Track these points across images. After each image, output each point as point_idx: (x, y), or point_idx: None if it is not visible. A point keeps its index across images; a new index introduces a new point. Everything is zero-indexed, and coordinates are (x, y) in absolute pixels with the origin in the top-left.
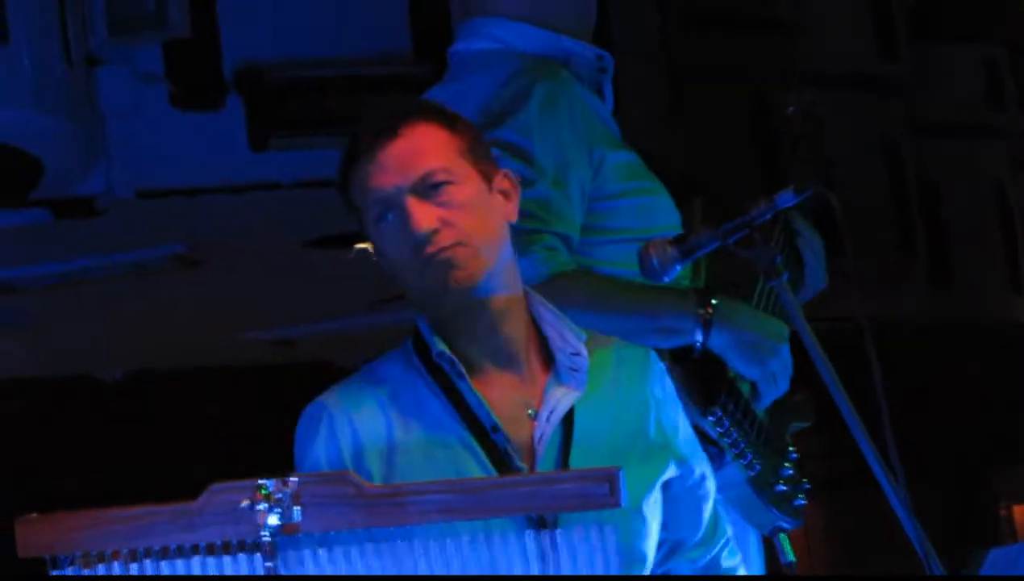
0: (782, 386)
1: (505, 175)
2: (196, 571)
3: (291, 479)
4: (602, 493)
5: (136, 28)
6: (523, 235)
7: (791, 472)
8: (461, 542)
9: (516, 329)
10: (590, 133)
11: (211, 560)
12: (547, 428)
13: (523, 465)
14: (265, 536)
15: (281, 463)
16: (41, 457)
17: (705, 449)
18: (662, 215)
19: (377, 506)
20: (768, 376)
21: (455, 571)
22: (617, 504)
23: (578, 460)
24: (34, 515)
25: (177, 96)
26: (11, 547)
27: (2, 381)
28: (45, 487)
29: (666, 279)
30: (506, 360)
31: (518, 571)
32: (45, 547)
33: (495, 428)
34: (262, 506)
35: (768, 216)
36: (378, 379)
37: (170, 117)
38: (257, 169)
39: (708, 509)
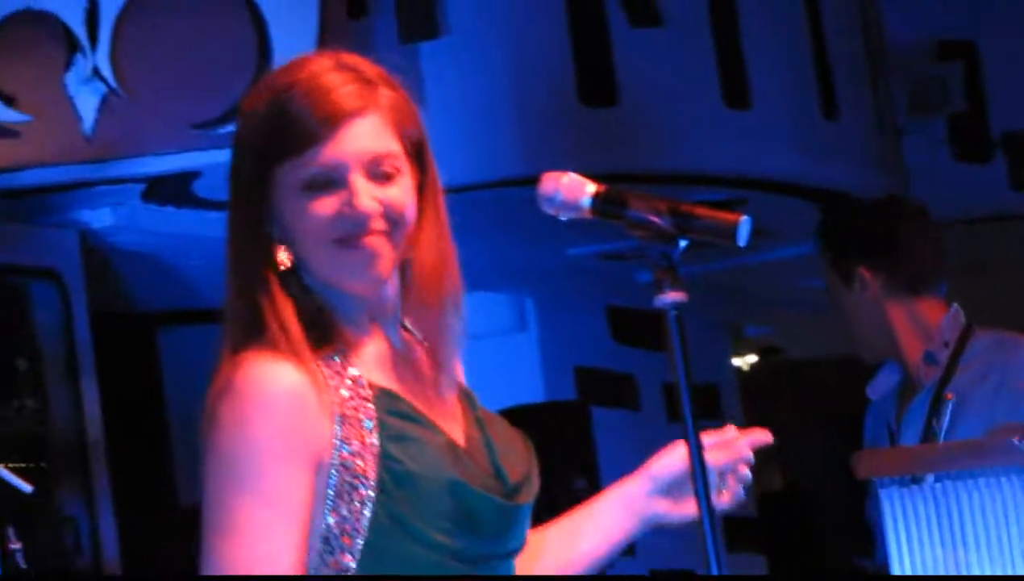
0: None
1: None
2: (981, 488)
3: None
4: None
5: (928, 107)
6: None
7: None
8: None
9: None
10: None
11: (992, 480)
12: (919, 405)
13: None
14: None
15: None
16: None
17: None
18: None
19: None
20: None
21: None
22: None
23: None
24: (868, 450)
25: (959, 154)
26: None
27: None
28: None
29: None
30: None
31: None
32: (875, 472)
33: None
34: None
35: None
36: None
37: (953, 168)
38: (1017, 204)
39: None
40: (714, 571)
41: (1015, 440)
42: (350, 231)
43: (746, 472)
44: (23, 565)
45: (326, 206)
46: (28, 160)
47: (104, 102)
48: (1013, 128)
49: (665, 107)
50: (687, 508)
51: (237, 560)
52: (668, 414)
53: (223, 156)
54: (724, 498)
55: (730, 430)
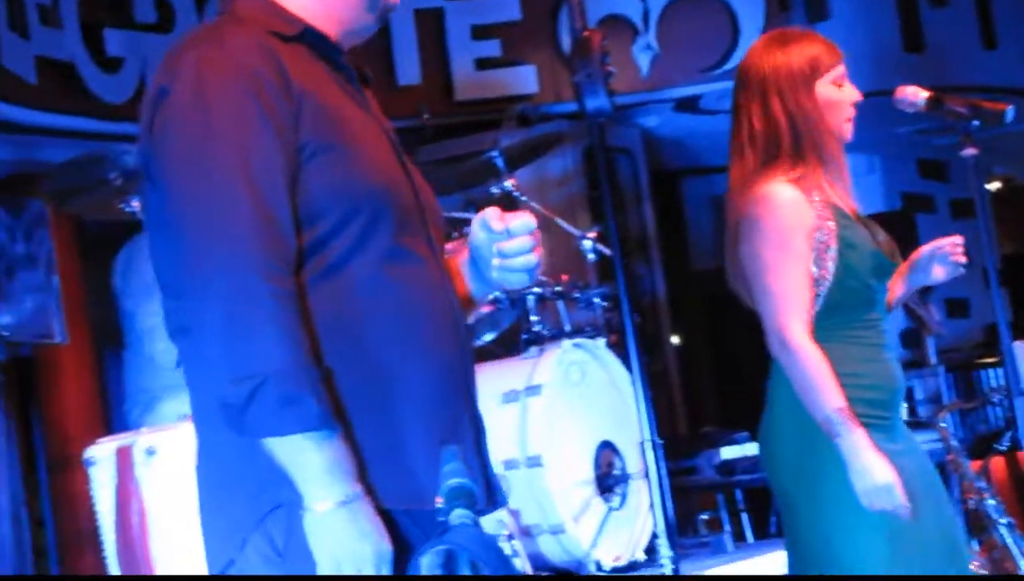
0: None
1: None
2: None
3: None
4: None
5: None
6: None
7: None
8: None
9: None
10: None
11: None
12: None
13: None
14: None
15: None
16: None
17: None
18: None
19: None
20: None
21: None
22: None
23: None
24: None
25: None
26: None
27: None
28: None
29: None
30: None
31: None
32: None
33: None
34: None
35: None
36: None
37: None
38: None
39: None
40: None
41: None
42: (852, 113)
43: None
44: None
45: (845, 95)
46: (618, 90)
47: (652, 61)
48: None
49: (954, 53)
50: (937, 275)
51: (778, 290)
52: (952, 216)
53: (714, 87)
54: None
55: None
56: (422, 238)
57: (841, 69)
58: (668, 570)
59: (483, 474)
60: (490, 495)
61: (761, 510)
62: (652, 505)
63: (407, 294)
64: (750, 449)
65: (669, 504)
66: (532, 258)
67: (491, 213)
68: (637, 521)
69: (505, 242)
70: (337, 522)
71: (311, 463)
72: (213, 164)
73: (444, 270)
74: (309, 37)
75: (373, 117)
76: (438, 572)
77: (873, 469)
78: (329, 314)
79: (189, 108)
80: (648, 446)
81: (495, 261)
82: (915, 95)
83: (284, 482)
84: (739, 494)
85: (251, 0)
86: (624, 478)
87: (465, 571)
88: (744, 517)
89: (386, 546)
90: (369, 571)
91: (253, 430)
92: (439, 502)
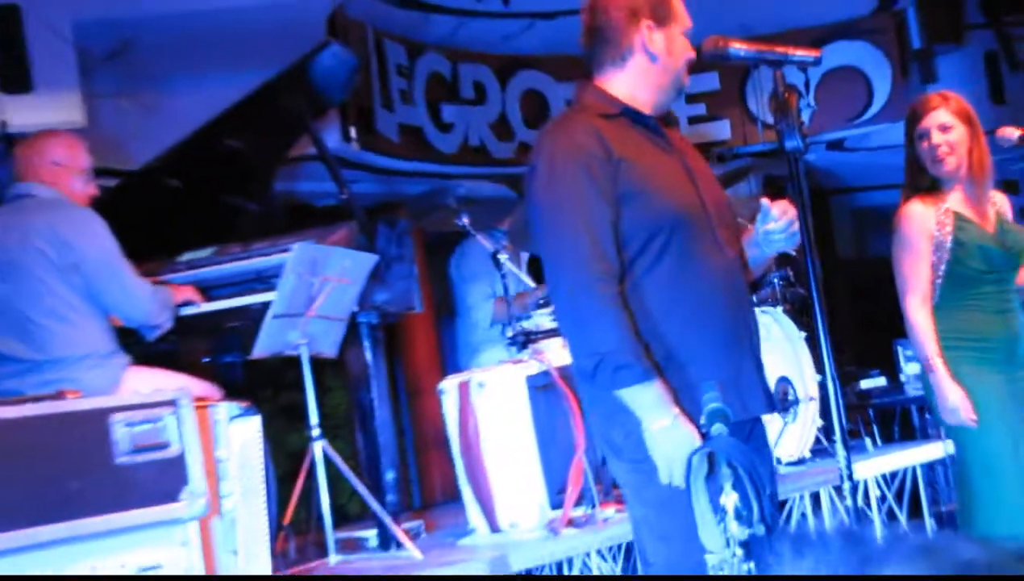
0: None
1: None
2: None
3: None
4: None
5: None
6: None
7: None
8: None
9: None
10: None
11: None
12: None
13: None
14: None
15: None
16: None
17: None
18: None
19: None
20: None
21: None
22: None
23: None
24: None
25: None
26: None
27: None
28: None
29: None
30: None
31: None
32: None
33: None
34: None
35: None
36: None
37: None
38: None
39: None
40: None
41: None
42: (933, 154)
43: None
44: None
45: (925, 145)
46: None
47: (811, 114)
48: None
49: None
50: None
51: (905, 276)
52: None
53: (855, 132)
54: None
55: None
56: (709, 237)
57: (928, 122)
58: (843, 464)
59: (764, 390)
60: (769, 402)
61: (887, 424)
62: (828, 418)
63: (696, 287)
64: (880, 381)
65: (844, 419)
66: (788, 233)
67: (765, 205)
68: (804, 431)
69: (768, 224)
70: (666, 435)
71: (644, 401)
72: (563, 219)
73: (728, 256)
74: (626, 113)
75: (675, 153)
76: (704, 467)
77: (947, 395)
78: (640, 312)
79: (546, 181)
80: (830, 380)
81: (759, 238)
82: (1012, 133)
83: (622, 411)
84: (871, 412)
85: (591, 91)
86: (795, 402)
87: (722, 464)
88: (875, 428)
89: (698, 445)
90: (680, 467)
91: (601, 386)
92: (702, 420)
